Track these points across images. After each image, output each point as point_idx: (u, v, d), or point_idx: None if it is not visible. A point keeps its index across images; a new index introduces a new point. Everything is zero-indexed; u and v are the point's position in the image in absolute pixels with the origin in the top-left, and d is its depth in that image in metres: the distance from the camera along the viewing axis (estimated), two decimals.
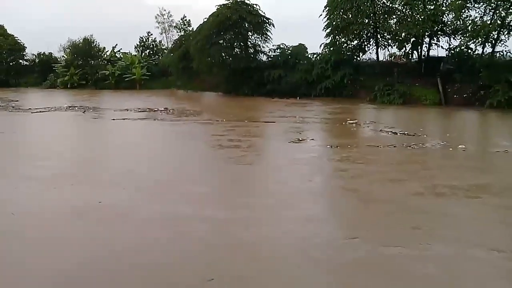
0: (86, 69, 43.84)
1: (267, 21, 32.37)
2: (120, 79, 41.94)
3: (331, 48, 29.25)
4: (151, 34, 47.92)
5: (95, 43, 45.67)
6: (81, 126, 18.01)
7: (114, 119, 18.56)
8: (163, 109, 22.42)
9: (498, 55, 25.44)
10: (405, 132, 14.52)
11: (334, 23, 28.57)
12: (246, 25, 31.96)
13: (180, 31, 44.93)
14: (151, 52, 47.53)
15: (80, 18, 73.36)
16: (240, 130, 15.26)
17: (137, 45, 47.56)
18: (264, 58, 33.08)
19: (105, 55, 46.41)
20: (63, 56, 46.94)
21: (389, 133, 14.73)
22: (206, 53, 31.43)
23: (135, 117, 19.24)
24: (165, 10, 48.32)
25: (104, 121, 18.78)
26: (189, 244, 5.56)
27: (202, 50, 31.33)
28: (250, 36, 32.80)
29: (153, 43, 48.03)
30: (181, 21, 45.97)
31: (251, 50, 32.82)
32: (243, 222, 6.30)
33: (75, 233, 5.93)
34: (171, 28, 47.80)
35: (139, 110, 22.19)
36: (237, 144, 12.58)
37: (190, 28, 43.11)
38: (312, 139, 13.45)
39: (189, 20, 45.49)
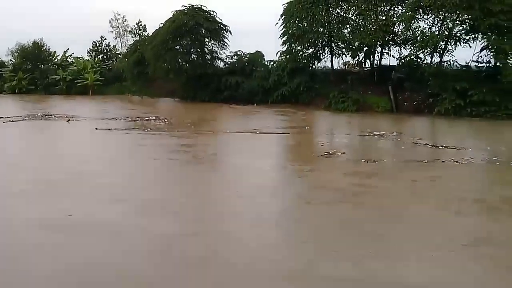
0: (35, 73, 42.14)
1: (224, 27, 32.45)
2: (71, 84, 40.59)
3: (287, 56, 29.62)
4: (105, 39, 46.85)
5: (45, 47, 44.08)
6: (93, 138, 16.03)
7: (97, 129, 17.35)
8: (154, 117, 21.05)
9: (445, 64, 26.58)
10: (443, 145, 13.84)
11: (290, 31, 28.98)
12: (203, 31, 31.89)
13: (135, 36, 44.15)
14: (105, 57, 46.42)
15: (30, 21, 70.50)
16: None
17: (90, 49, 46.32)
18: (221, 64, 33.09)
19: (56, 60, 44.80)
20: (10, 60, 44.99)
21: (429, 145, 13.96)
22: (162, 59, 31.08)
23: (121, 127, 17.99)
24: (119, 14, 47.20)
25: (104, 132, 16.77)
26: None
27: (158, 55, 30.93)
28: (207, 43, 32.75)
29: (107, 47, 46.93)
30: (136, 26, 45.22)
31: (208, 57, 32.74)
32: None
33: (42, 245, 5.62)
34: (125, 33, 46.89)
35: (120, 118, 20.90)
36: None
37: (146, 33, 42.47)
38: (344, 153, 12.60)
39: (145, 25, 44.88)
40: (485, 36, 24.44)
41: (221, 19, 32.40)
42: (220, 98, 29.82)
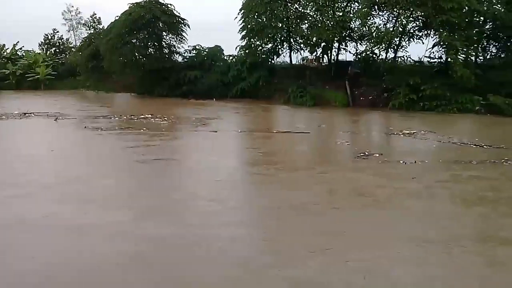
0: None
1: (182, 21, 32.00)
2: (22, 78, 38.86)
3: (247, 51, 29.55)
4: (57, 32, 45.13)
5: None
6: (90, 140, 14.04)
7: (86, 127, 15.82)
8: (150, 115, 18.99)
9: (399, 60, 27.38)
10: (483, 144, 12.89)
11: (249, 26, 28.92)
12: (160, 24, 31.31)
13: (89, 29, 42.78)
14: (57, 50, 44.74)
15: None
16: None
17: (42, 42, 44.49)
18: (179, 59, 32.65)
19: (5, 53, 42.71)
20: None
21: (473, 145, 12.88)
22: (117, 53, 30.25)
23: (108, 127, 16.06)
24: (72, 6, 45.59)
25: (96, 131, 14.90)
26: None
27: (113, 49, 30.09)
28: (164, 36, 32.18)
29: (60, 40, 45.23)
30: (90, 18, 43.83)
31: (166, 51, 32.22)
32: None
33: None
34: (79, 26, 45.35)
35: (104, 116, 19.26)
36: None
37: (101, 26, 41.25)
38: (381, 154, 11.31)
39: (99, 17, 43.60)
40: (437, 33, 25.37)
41: (179, 13, 31.95)
42: (179, 92, 29.39)
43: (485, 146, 12.58)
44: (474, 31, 25.08)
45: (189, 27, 32.01)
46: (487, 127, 19.03)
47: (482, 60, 26.42)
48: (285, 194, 7.68)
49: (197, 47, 32.15)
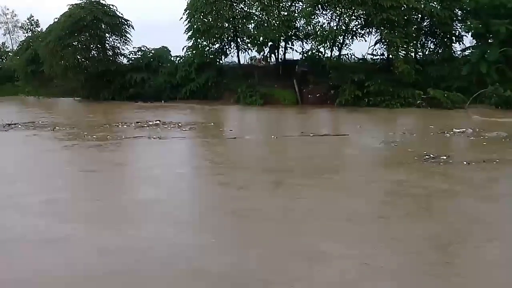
0: None
1: (125, 22, 31.19)
2: None
3: (194, 51, 29.27)
4: None
5: None
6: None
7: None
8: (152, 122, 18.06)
9: (344, 57, 28.05)
10: None
11: (195, 26, 28.63)
12: (103, 26, 30.36)
13: (27, 32, 40.80)
14: None
15: None
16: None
17: None
18: (125, 61, 31.80)
19: None
20: None
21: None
22: (58, 56, 29.04)
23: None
24: (8, 9, 43.27)
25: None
26: None
27: (54, 52, 28.88)
28: (108, 38, 31.24)
29: None
30: (27, 21, 41.80)
31: (110, 53, 31.29)
32: None
33: None
34: (16, 29, 43.15)
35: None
36: None
37: (39, 29, 39.43)
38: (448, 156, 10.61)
39: (37, 20, 41.65)
40: (378, 30, 26.22)
41: (122, 13, 31.10)
42: (126, 96, 28.69)
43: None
44: (413, 28, 26.13)
45: (133, 28, 31.31)
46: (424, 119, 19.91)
47: (421, 56, 27.59)
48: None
49: (142, 48, 31.42)
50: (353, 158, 11.62)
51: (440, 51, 27.08)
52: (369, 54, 27.96)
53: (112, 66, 30.00)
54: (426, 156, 10.45)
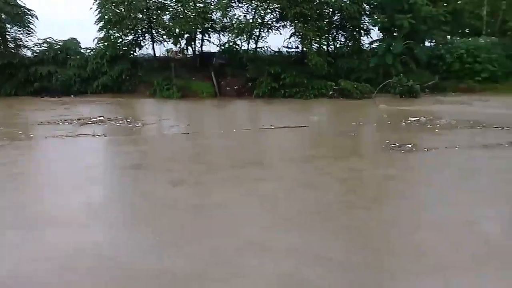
0: None
1: (28, 12, 28.90)
2: None
3: (106, 43, 27.88)
4: None
5: None
6: None
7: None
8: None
9: (261, 50, 28.32)
10: None
11: (106, 17, 27.34)
12: (3, 16, 27.95)
13: None
14: None
15: None
16: None
17: None
18: (29, 53, 29.50)
19: None
20: None
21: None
22: None
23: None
24: None
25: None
26: None
27: None
28: (9, 29, 28.80)
29: None
30: None
31: (12, 45, 28.89)
32: None
33: None
34: None
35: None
36: None
37: None
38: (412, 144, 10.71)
39: None
40: (292, 24, 26.78)
41: (24, 3, 28.81)
42: (30, 90, 26.69)
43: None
44: (325, 22, 27.10)
45: (37, 18, 29.10)
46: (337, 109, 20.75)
47: (333, 48, 28.65)
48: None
49: (48, 40, 29.32)
50: (315, 150, 11.32)
51: (350, 44, 28.33)
52: (284, 47, 28.59)
53: (14, 59, 27.68)
54: (392, 145, 10.65)
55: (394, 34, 26.62)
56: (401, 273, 4.41)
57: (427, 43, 29.24)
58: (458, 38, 29.43)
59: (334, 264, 4.54)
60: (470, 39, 27.97)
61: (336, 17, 28.21)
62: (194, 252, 4.84)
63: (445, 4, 28.91)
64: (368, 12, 28.07)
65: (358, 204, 6.53)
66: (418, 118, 15.05)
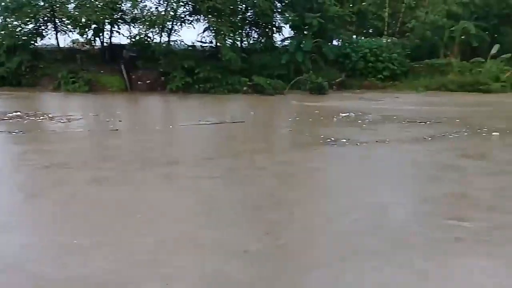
0: None
1: None
2: None
3: (3, 32, 25.53)
4: None
5: None
6: None
7: None
8: None
9: (174, 44, 27.76)
10: None
11: (3, 3, 25.08)
12: None
13: None
14: None
15: None
16: None
17: None
18: None
19: None
20: None
21: None
22: None
23: None
24: None
25: None
26: None
27: None
28: None
29: None
30: None
31: None
32: None
33: None
34: None
35: None
36: None
37: None
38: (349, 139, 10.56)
39: None
40: (206, 18, 26.57)
41: None
42: None
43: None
44: (238, 18, 27.26)
45: None
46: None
47: (246, 44, 28.97)
48: None
49: None
50: (252, 145, 11.20)
51: (263, 40, 28.83)
52: (198, 41, 28.30)
53: None
54: (328, 140, 10.88)
55: (305, 32, 27.54)
56: (323, 260, 4.53)
57: (334, 42, 30.64)
58: (362, 38, 31.19)
59: (256, 257, 4.56)
60: (373, 39, 29.81)
61: (249, 13, 28.50)
62: (114, 254, 4.61)
63: (351, 5, 30.49)
64: (280, 10, 28.73)
65: (290, 197, 6.63)
66: (348, 114, 15.67)
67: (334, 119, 14.89)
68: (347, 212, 5.87)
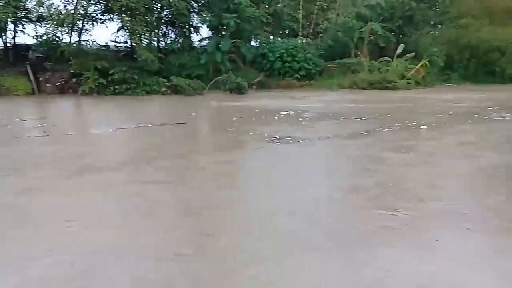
0: None
1: None
2: None
3: None
4: None
5: None
6: None
7: None
8: None
9: (85, 44, 26.43)
10: None
11: None
12: None
13: None
14: None
15: None
16: None
17: None
18: None
19: None
20: None
21: None
22: None
23: None
24: None
25: None
26: None
27: None
28: None
29: None
30: None
31: None
32: None
33: None
34: None
35: None
36: None
37: None
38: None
39: None
40: (119, 17, 25.61)
41: None
42: None
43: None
44: (154, 17, 26.61)
45: None
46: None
47: (163, 44, 28.39)
48: None
49: None
50: (194, 146, 11.10)
51: (180, 40, 28.44)
52: (112, 41, 27.24)
53: None
54: (273, 138, 10.92)
55: (223, 32, 27.59)
56: (259, 258, 4.49)
57: (252, 43, 31.04)
58: (279, 39, 31.92)
59: (192, 260, 4.45)
60: (289, 40, 30.62)
61: (165, 13, 27.93)
62: (48, 266, 4.24)
63: (267, 6, 31.05)
64: (196, 10, 28.52)
65: (230, 197, 6.53)
66: (288, 112, 15.88)
67: (276, 117, 15.07)
68: (284, 208, 5.92)
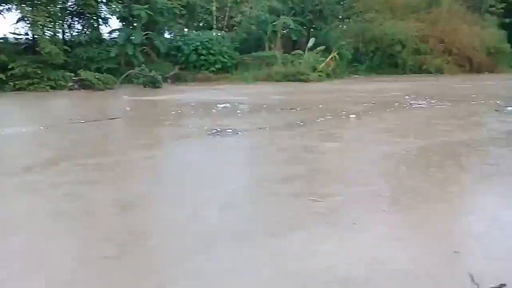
0: None
1: None
2: None
3: None
4: None
5: None
6: None
7: None
8: None
9: None
10: None
11: None
12: None
13: None
14: None
15: None
16: None
17: None
18: None
19: None
20: None
21: None
22: None
23: None
24: None
25: None
26: None
27: None
28: None
29: None
30: None
31: None
32: None
33: None
34: None
35: None
36: None
37: None
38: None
39: None
40: (18, 7, 23.71)
41: None
42: None
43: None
44: (58, 8, 24.94)
45: None
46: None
47: (69, 36, 26.79)
48: None
49: None
50: (135, 141, 10.46)
51: (88, 32, 27.00)
52: (11, 33, 25.17)
53: None
54: (213, 130, 10.83)
55: (134, 24, 26.64)
56: (187, 253, 4.43)
57: (166, 35, 30.36)
58: (193, 31, 31.53)
59: (118, 261, 4.29)
60: (204, 32, 30.36)
61: (70, 3, 26.34)
62: None
63: None
64: (105, 0, 27.19)
65: (160, 193, 6.42)
66: (225, 104, 15.73)
67: (213, 110, 14.95)
68: (216, 201, 5.90)
